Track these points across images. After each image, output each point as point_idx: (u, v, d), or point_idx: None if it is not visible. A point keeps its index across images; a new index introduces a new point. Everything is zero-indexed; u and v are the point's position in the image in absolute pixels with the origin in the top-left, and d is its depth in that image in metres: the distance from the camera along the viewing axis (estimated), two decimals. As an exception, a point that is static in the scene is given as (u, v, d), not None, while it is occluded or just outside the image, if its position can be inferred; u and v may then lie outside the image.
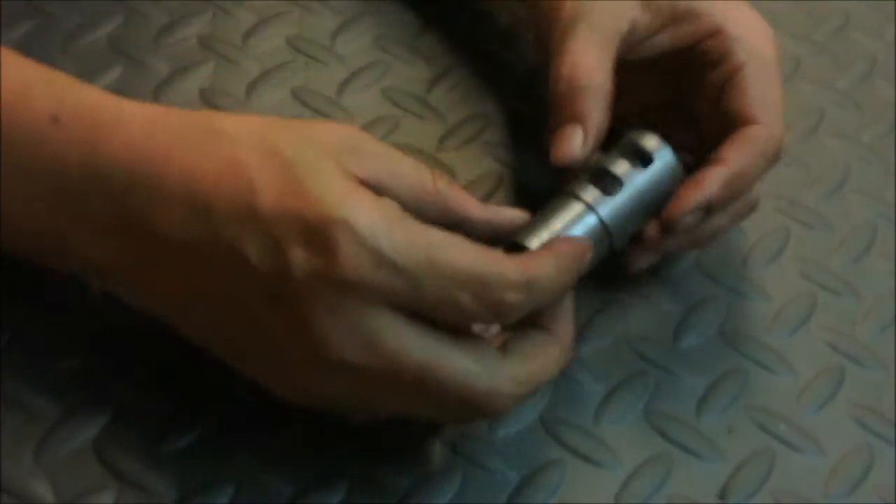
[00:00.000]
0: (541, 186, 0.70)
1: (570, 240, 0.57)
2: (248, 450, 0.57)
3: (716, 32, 0.65)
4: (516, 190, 0.70)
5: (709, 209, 0.61)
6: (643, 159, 0.60)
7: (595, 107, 0.62)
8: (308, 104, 0.72)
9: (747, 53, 0.65)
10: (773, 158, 0.64)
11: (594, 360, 0.63)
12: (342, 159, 0.52)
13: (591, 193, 0.58)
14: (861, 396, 0.64)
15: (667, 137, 0.62)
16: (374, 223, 0.50)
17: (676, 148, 0.61)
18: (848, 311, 0.68)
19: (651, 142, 0.60)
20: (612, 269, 0.63)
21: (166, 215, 0.52)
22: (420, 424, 0.58)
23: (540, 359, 0.55)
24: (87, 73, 0.70)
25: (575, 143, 0.62)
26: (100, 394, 0.58)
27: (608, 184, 0.59)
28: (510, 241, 0.57)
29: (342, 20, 0.77)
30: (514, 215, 0.58)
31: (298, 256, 0.50)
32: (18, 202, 0.54)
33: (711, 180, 0.61)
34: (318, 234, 0.50)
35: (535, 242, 0.56)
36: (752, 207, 0.66)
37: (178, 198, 0.52)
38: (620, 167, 0.59)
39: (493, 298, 0.51)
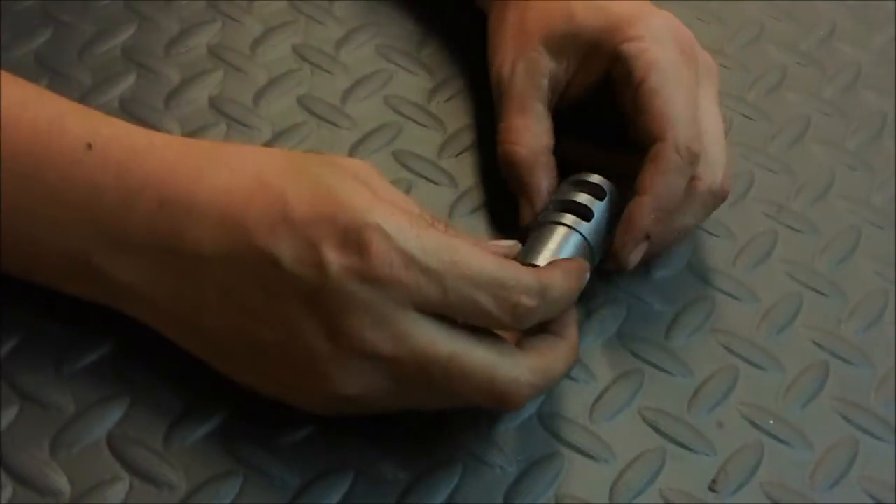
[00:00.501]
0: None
1: (572, 258, 0.61)
2: (256, 443, 0.57)
3: (616, 57, 0.66)
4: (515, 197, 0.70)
5: (648, 237, 0.63)
6: (597, 192, 0.64)
7: (534, 174, 0.65)
8: (313, 111, 0.73)
9: (644, 69, 0.64)
10: (689, 163, 0.63)
11: (589, 358, 0.64)
12: (357, 177, 0.55)
13: (569, 219, 0.62)
14: (846, 392, 0.65)
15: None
16: (404, 227, 0.53)
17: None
18: (833, 311, 0.68)
19: (597, 178, 0.64)
20: (606, 271, 0.65)
21: (199, 231, 0.54)
22: (421, 419, 0.59)
23: (552, 355, 0.58)
24: (102, 81, 0.72)
25: (527, 214, 0.65)
26: (113, 388, 0.58)
27: (579, 211, 0.63)
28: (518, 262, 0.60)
29: (346, 30, 0.78)
30: (505, 247, 0.59)
31: (333, 256, 0.52)
32: (50, 229, 0.56)
33: (640, 215, 0.62)
34: (352, 235, 0.53)
35: (541, 261, 0.60)
36: (717, 195, 0.66)
37: (210, 215, 0.54)
38: (583, 198, 0.63)
39: (511, 301, 0.54)
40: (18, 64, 0.72)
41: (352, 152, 0.71)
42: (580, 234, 0.62)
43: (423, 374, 0.54)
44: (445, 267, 0.53)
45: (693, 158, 0.63)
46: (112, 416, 0.57)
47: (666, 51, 0.65)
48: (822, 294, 0.69)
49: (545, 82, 0.67)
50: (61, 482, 0.55)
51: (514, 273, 0.55)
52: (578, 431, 0.61)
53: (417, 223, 0.54)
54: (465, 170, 0.71)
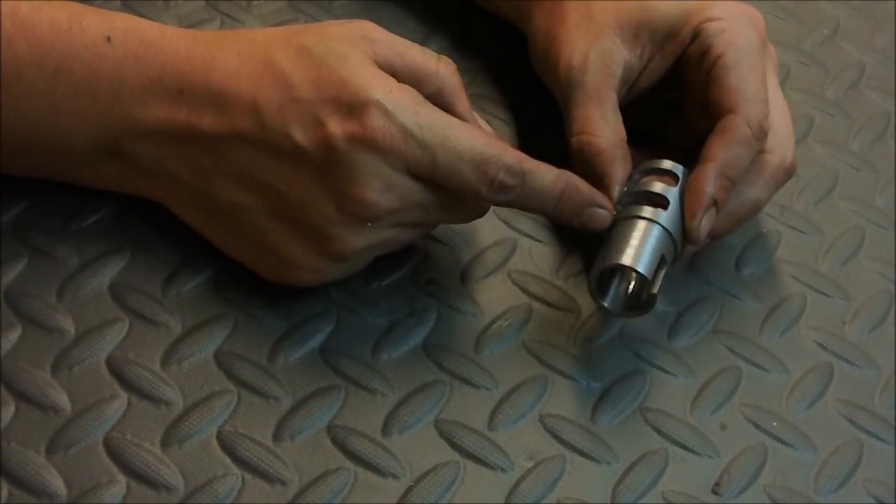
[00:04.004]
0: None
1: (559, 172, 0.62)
2: (253, 444, 0.57)
3: (693, 37, 0.67)
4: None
5: (716, 205, 0.63)
6: (671, 178, 0.64)
7: (612, 165, 0.65)
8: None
9: (724, 45, 0.66)
10: (757, 138, 0.65)
11: (591, 360, 0.64)
12: (358, 46, 0.59)
13: (647, 211, 0.63)
14: (850, 394, 0.65)
15: (667, 142, 0.68)
16: (400, 103, 0.58)
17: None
18: (837, 312, 0.68)
19: (669, 163, 0.65)
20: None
21: (215, 116, 0.59)
22: (412, 418, 0.59)
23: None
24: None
25: (603, 217, 0.64)
26: (110, 388, 0.58)
27: (656, 201, 0.63)
28: (604, 266, 0.62)
29: (346, 29, 0.78)
30: (489, 133, 0.65)
31: (338, 126, 0.58)
32: (80, 121, 0.60)
33: (703, 181, 0.63)
34: (354, 109, 0.58)
35: (626, 259, 0.61)
36: (787, 171, 0.68)
37: (224, 99, 0.59)
38: (658, 187, 0.63)
39: (490, 175, 0.60)
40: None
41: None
42: (660, 225, 0.62)
43: (407, 212, 0.60)
44: (437, 140, 0.59)
45: (762, 135, 0.65)
46: (110, 418, 0.58)
47: (743, 32, 0.67)
48: (826, 295, 0.69)
49: (619, 72, 0.67)
50: (57, 484, 0.55)
51: (498, 150, 0.60)
52: (580, 433, 0.61)
53: (415, 99, 0.59)
54: None
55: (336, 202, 0.59)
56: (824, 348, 0.67)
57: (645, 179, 0.64)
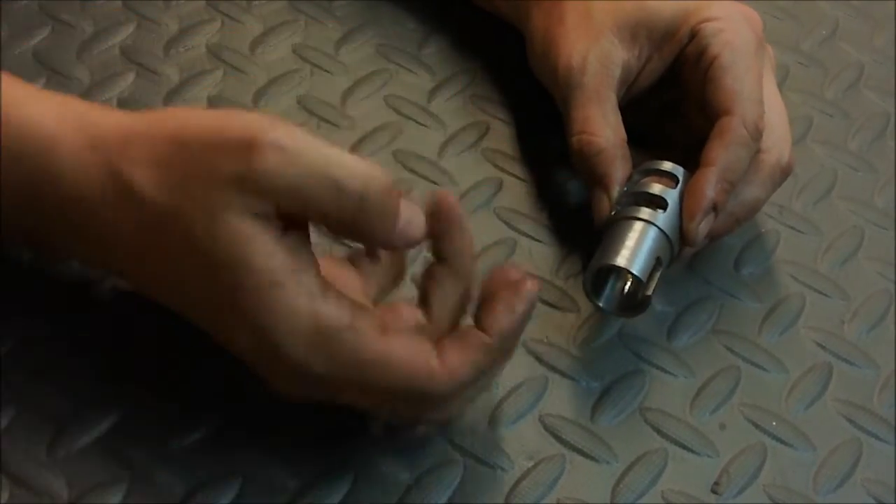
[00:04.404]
0: (539, 192, 0.71)
1: (514, 304, 0.56)
2: (255, 445, 0.57)
3: (691, 37, 0.67)
4: (516, 195, 0.71)
5: (715, 208, 0.64)
6: (670, 180, 0.64)
7: (612, 165, 0.65)
8: (313, 112, 0.73)
9: (720, 46, 0.66)
10: (754, 139, 0.65)
11: (591, 359, 0.64)
12: (246, 201, 0.52)
13: (645, 213, 0.63)
14: (849, 393, 0.65)
15: (667, 142, 0.68)
16: (307, 351, 0.52)
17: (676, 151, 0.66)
18: (836, 312, 0.68)
19: (669, 165, 0.65)
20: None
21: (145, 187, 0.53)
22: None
23: (471, 360, 0.55)
24: (101, 80, 0.72)
25: (605, 206, 0.64)
26: (110, 391, 0.58)
27: (654, 203, 0.63)
28: (598, 266, 0.61)
29: (346, 30, 0.78)
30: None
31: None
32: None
33: (705, 185, 0.63)
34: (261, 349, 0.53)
35: (620, 260, 0.61)
36: (784, 170, 0.68)
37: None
38: (656, 188, 0.63)
39: (425, 408, 0.56)
40: (17, 62, 0.72)
41: (352, 153, 0.70)
42: (657, 227, 0.62)
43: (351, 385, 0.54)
44: (352, 385, 0.53)
45: (758, 135, 0.65)
46: (109, 420, 0.57)
47: (740, 33, 0.67)
48: (825, 295, 0.69)
49: (618, 72, 0.67)
50: (58, 484, 0.55)
51: (425, 386, 0.53)
52: (580, 432, 0.61)
53: (321, 338, 0.52)
54: (466, 170, 0.72)
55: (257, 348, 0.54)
56: (823, 348, 0.67)
57: (644, 180, 0.65)
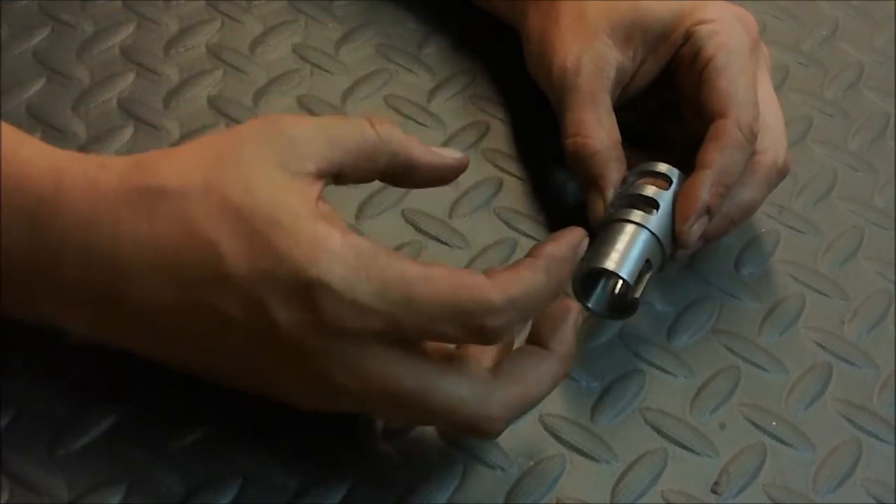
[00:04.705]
0: (538, 191, 0.71)
1: (559, 238, 0.56)
2: (255, 445, 0.57)
3: (686, 39, 0.68)
4: (516, 195, 0.71)
5: (709, 211, 0.64)
6: (664, 182, 0.64)
7: (606, 166, 0.65)
8: (314, 112, 0.73)
9: (715, 48, 0.66)
10: (749, 141, 0.65)
11: (591, 359, 0.64)
12: (287, 165, 0.52)
13: (636, 215, 0.63)
14: (849, 393, 0.65)
15: (665, 143, 0.68)
16: (348, 275, 0.50)
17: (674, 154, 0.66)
18: (836, 312, 0.68)
19: (664, 166, 0.65)
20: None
21: (135, 286, 0.52)
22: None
23: (533, 378, 0.55)
24: (101, 80, 0.72)
25: (599, 208, 0.65)
26: (111, 391, 0.58)
27: (646, 205, 0.63)
28: (587, 269, 0.61)
29: (346, 30, 0.78)
30: (453, 157, 0.58)
31: (282, 314, 0.50)
32: None
33: (699, 188, 0.63)
34: (297, 292, 0.50)
35: (609, 263, 0.61)
36: (780, 171, 0.67)
37: (142, 269, 0.51)
38: (650, 190, 0.64)
39: (476, 325, 0.51)
40: (17, 62, 0.72)
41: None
42: (648, 230, 0.62)
43: (393, 404, 0.53)
44: (400, 308, 0.51)
45: (753, 137, 0.65)
46: (109, 420, 0.57)
47: (735, 35, 0.67)
48: (825, 295, 0.69)
49: (613, 74, 0.67)
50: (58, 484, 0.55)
51: (476, 294, 0.51)
52: (580, 432, 0.61)
53: (363, 262, 0.51)
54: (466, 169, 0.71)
55: (304, 381, 0.53)
56: (823, 348, 0.67)
57: (639, 182, 0.65)
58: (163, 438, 0.57)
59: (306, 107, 0.73)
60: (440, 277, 0.51)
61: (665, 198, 0.63)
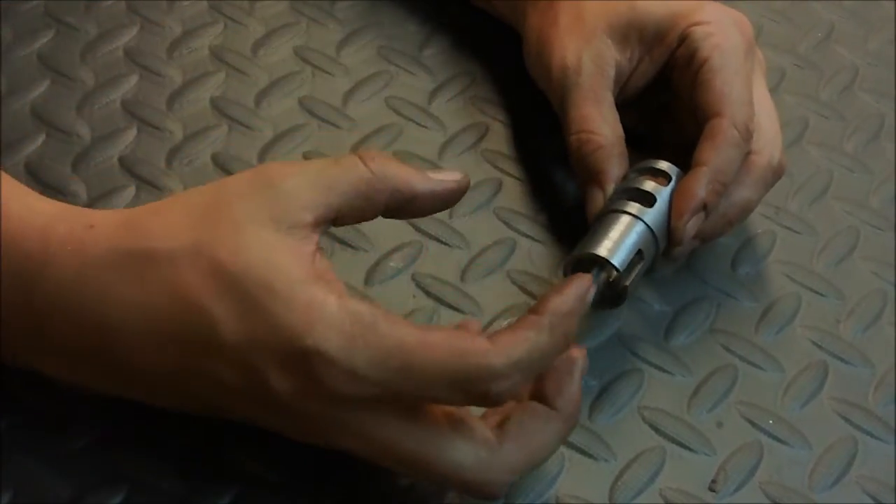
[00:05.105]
0: (538, 192, 0.72)
1: (564, 290, 0.54)
2: (253, 446, 0.57)
3: (681, 40, 0.68)
4: (515, 196, 0.71)
5: (705, 208, 0.64)
6: (664, 179, 0.65)
7: (610, 162, 0.66)
8: (315, 113, 0.73)
9: (710, 49, 0.67)
10: (745, 140, 0.65)
11: (589, 359, 0.61)
12: (281, 220, 0.51)
13: (633, 207, 0.63)
14: (844, 392, 0.65)
15: (664, 144, 0.68)
16: (345, 344, 0.49)
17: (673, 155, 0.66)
18: (831, 311, 0.69)
19: (665, 164, 0.65)
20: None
21: (126, 349, 0.51)
22: None
23: (538, 441, 0.54)
24: (104, 82, 0.72)
25: (598, 201, 0.65)
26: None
27: (644, 199, 0.63)
28: (579, 255, 0.61)
29: (347, 32, 0.78)
30: (453, 180, 0.57)
31: (279, 381, 0.50)
32: None
33: (695, 184, 0.64)
34: (294, 360, 0.49)
35: (602, 250, 0.61)
36: (775, 171, 0.68)
37: (133, 334, 0.51)
38: (649, 185, 0.64)
39: (479, 391, 0.50)
40: (21, 64, 0.72)
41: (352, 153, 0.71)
42: (644, 222, 0.63)
43: (396, 465, 0.53)
44: (398, 376, 0.49)
45: (748, 136, 0.65)
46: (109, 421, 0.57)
47: (730, 37, 0.68)
48: (821, 294, 0.70)
49: (612, 72, 0.68)
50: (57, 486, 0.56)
51: (475, 362, 0.50)
52: (578, 431, 0.61)
53: (359, 330, 0.49)
54: (466, 171, 0.68)
55: (307, 437, 0.53)
56: (819, 347, 0.67)
57: (638, 178, 0.65)
58: (163, 438, 0.57)
59: (308, 108, 0.73)
60: (440, 344, 0.50)
61: (663, 193, 0.64)
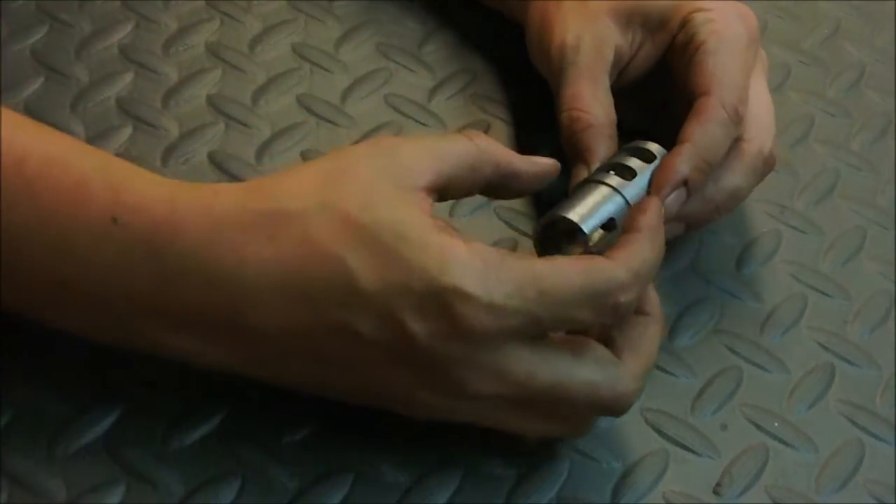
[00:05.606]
0: (539, 191, 0.71)
1: (648, 207, 0.58)
2: (255, 445, 0.57)
3: (682, 25, 0.68)
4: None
5: (686, 185, 0.63)
6: (649, 158, 0.63)
7: (598, 141, 0.65)
8: (313, 111, 0.73)
9: (707, 34, 0.66)
10: (733, 121, 0.64)
11: None
12: (401, 181, 0.53)
13: (614, 180, 0.62)
14: (851, 394, 0.65)
15: (664, 139, 0.66)
16: (481, 280, 0.51)
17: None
18: (838, 312, 0.68)
19: (653, 145, 0.64)
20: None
21: (261, 309, 0.52)
22: (421, 424, 0.58)
23: (648, 346, 0.57)
24: (99, 79, 0.72)
25: (581, 175, 0.64)
26: (110, 391, 0.58)
27: (626, 174, 0.62)
28: (552, 216, 0.60)
29: (346, 28, 0.78)
30: (548, 162, 0.60)
31: (418, 325, 0.51)
32: (90, 302, 0.53)
33: (677, 158, 0.63)
34: (431, 302, 0.51)
35: (573, 215, 0.60)
36: (766, 161, 0.67)
37: (269, 292, 0.52)
38: (632, 162, 0.63)
39: (609, 304, 0.53)
40: (15, 61, 0.72)
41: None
42: (621, 195, 0.61)
43: (528, 405, 0.55)
44: (535, 302, 0.52)
45: (737, 118, 0.65)
46: (109, 419, 0.57)
47: (731, 25, 0.67)
48: (827, 295, 0.69)
49: (611, 55, 0.68)
50: (56, 485, 0.55)
51: (605, 276, 0.53)
52: (581, 433, 0.61)
53: (491, 264, 0.52)
54: None
55: (424, 385, 0.53)
56: (825, 348, 0.67)
57: (624, 155, 0.64)
58: (163, 438, 0.57)
59: (306, 105, 0.73)
60: (567, 266, 0.53)
61: (645, 171, 0.63)
